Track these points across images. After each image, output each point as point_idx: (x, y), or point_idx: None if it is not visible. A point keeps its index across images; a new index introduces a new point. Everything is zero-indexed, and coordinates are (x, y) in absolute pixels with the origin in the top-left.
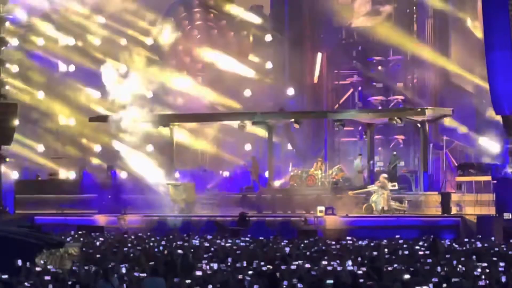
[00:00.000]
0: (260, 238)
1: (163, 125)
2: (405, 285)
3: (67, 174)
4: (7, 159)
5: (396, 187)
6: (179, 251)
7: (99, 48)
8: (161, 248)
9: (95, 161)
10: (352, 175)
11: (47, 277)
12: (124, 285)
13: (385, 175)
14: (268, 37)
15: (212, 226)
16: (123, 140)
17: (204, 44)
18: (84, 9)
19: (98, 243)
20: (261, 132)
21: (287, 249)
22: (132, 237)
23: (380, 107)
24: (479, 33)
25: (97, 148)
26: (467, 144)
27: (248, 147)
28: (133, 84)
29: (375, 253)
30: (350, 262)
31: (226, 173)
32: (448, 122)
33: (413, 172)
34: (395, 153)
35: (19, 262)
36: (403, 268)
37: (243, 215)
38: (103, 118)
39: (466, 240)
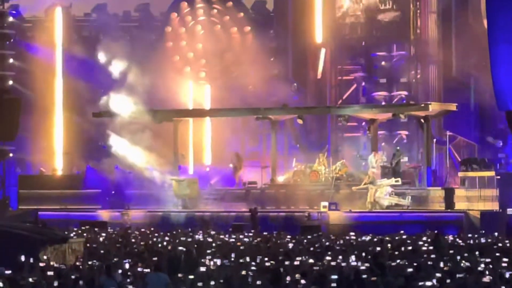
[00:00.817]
0: (264, 233)
1: (167, 120)
2: (408, 281)
3: (70, 169)
4: (11, 154)
5: (400, 183)
6: (180, 248)
7: (102, 43)
8: (164, 243)
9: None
10: (355, 171)
11: (50, 273)
12: (128, 280)
13: (374, 170)
14: (271, 33)
15: (216, 221)
16: (126, 135)
17: (207, 39)
18: (87, 4)
19: (101, 239)
20: (264, 127)
21: (291, 245)
22: (136, 232)
23: (383, 103)
24: (482, 28)
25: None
26: (471, 139)
27: (251, 142)
28: (135, 79)
29: (378, 248)
30: (353, 258)
31: (229, 168)
32: (451, 117)
33: (417, 167)
34: (398, 148)
35: (23, 258)
36: (406, 263)
37: (255, 210)
38: (106, 114)
39: (469, 235)
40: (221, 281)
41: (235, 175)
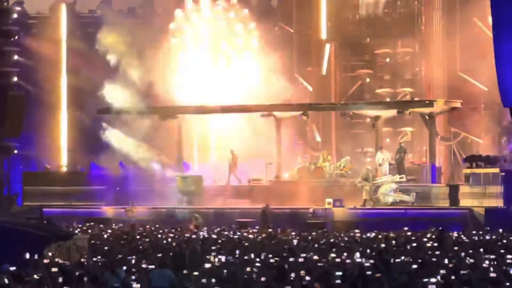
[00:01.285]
0: (269, 230)
1: (171, 117)
2: (412, 277)
3: (75, 166)
4: (15, 151)
5: (404, 179)
6: (185, 244)
7: (108, 39)
8: (169, 240)
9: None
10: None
11: (55, 269)
12: (132, 277)
13: (369, 167)
14: (276, 29)
15: (220, 217)
16: (129, 132)
17: (212, 36)
18: (91, 0)
19: (106, 235)
20: (269, 124)
21: (295, 241)
22: (140, 229)
23: (388, 99)
24: (487, 24)
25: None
26: (475, 136)
27: (255, 139)
28: (138, 76)
29: (383, 245)
30: (358, 254)
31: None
32: (456, 114)
33: (422, 164)
34: (402, 144)
35: (27, 255)
36: (410, 260)
37: (267, 208)
38: (111, 110)
39: (474, 232)
40: (226, 277)
41: (230, 171)
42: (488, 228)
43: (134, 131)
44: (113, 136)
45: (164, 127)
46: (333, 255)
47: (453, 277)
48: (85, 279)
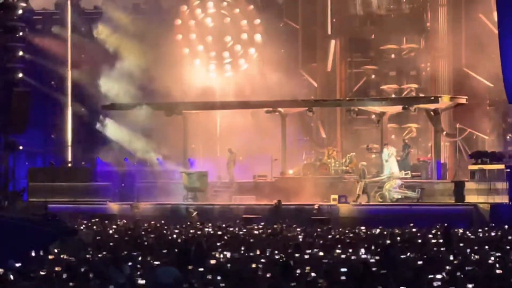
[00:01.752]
0: (274, 226)
1: (176, 113)
2: (418, 274)
3: (80, 161)
4: (21, 147)
5: (409, 175)
6: (190, 240)
7: (112, 37)
8: (174, 236)
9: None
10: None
11: (60, 266)
12: (138, 273)
13: (364, 163)
14: (281, 25)
15: (225, 214)
16: (134, 127)
17: (217, 32)
18: None
19: (111, 231)
20: (274, 120)
21: (300, 238)
22: (145, 225)
23: (393, 96)
24: (492, 20)
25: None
26: (480, 132)
27: (260, 135)
28: (143, 72)
29: (388, 241)
30: (363, 251)
31: (240, 162)
32: (461, 110)
33: (427, 160)
34: (406, 141)
35: (33, 252)
36: (416, 256)
37: (279, 203)
38: (116, 106)
39: (479, 229)
40: (231, 273)
41: (229, 170)
42: (493, 225)
43: (136, 126)
44: (115, 131)
45: (168, 120)
46: (338, 251)
47: (458, 273)
48: (91, 275)
